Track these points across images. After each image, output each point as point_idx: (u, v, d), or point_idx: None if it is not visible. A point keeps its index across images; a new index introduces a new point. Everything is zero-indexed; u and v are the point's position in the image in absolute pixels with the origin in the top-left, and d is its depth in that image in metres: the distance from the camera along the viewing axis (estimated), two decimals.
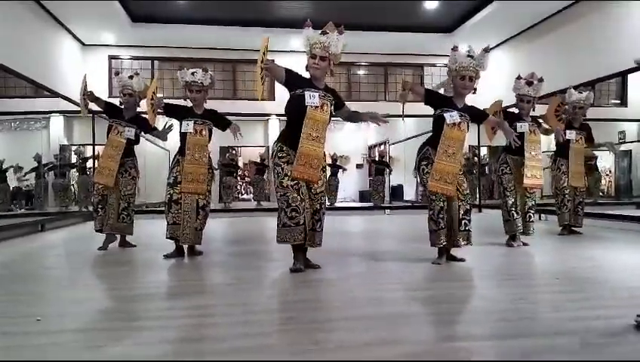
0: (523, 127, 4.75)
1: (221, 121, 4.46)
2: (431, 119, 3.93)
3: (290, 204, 3.39)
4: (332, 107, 3.52)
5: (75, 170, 11.11)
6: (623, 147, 10.31)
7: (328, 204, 12.29)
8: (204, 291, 3.14)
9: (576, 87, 5.71)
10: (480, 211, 9.82)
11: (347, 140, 15.29)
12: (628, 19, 8.23)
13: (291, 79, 3.54)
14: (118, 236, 4.90)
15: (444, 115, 3.76)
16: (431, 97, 3.92)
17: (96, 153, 8.35)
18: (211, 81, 4.41)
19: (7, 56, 7.06)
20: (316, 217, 3.51)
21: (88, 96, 4.88)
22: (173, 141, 4.64)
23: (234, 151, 13.98)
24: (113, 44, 11.88)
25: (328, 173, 12.66)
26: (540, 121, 5.21)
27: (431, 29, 11.52)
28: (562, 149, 5.64)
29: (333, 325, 2.26)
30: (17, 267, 4.10)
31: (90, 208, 5.00)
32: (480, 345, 1.93)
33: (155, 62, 12.57)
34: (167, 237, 4.29)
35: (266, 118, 12.84)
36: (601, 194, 10.48)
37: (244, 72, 12.94)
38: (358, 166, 14.81)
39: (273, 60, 3.43)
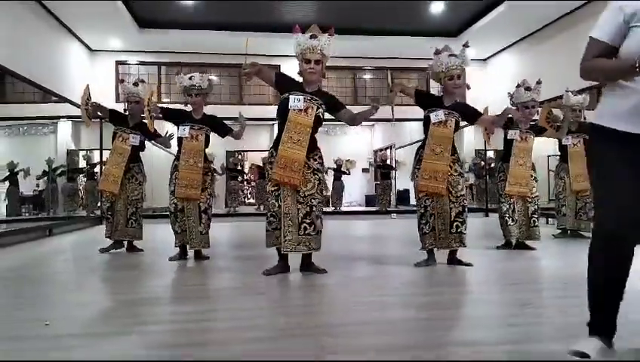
0: (514, 134, 4.78)
1: (221, 128, 4.44)
2: None
3: (270, 209, 3.48)
4: (320, 110, 3.49)
5: (83, 175, 11.18)
6: None
7: (333, 208, 12.28)
8: (209, 296, 3.15)
9: (578, 92, 5.70)
10: (487, 216, 9.78)
11: (353, 144, 15.29)
12: None
13: (281, 81, 3.60)
14: (125, 242, 4.92)
15: (430, 115, 3.81)
16: (421, 98, 3.97)
17: (103, 159, 8.41)
18: (209, 84, 4.42)
19: (16, 61, 7.13)
20: (307, 220, 3.42)
21: (92, 106, 4.88)
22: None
23: (239, 156, 14.03)
24: (120, 49, 11.95)
25: (330, 177, 12.69)
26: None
27: (437, 33, 11.48)
28: (564, 154, 5.64)
29: (340, 330, 2.26)
30: (25, 271, 4.12)
31: (97, 213, 5.03)
32: (488, 351, 1.92)
33: (162, 67, 12.63)
34: (176, 246, 4.33)
35: (272, 122, 12.86)
36: None
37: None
38: (364, 170, 14.80)
39: (257, 63, 3.43)
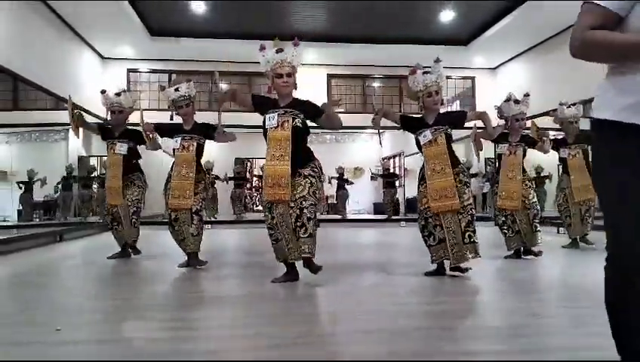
0: (503, 148, 4.81)
1: (209, 132, 4.38)
2: None
3: (266, 222, 3.53)
4: (298, 121, 3.48)
5: (95, 181, 11.27)
6: None
7: (339, 216, 12.27)
8: (216, 303, 3.15)
9: (587, 101, 5.70)
10: (496, 224, 9.72)
11: (362, 151, 15.28)
12: None
13: (258, 103, 3.67)
14: (130, 249, 4.96)
15: (419, 137, 3.83)
16: (406, 122, 4.01)
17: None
18: (196, 91, 4.44)
19: (29, 69, 7.22)
20: (298, 223, 3.37)
21: (77, 119, 4.90)
22: None
23: (247, 163, 14.08)
24: (132, 57, 12.07)
25: (334, 186, 12.67)
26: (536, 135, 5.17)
27: (446, 41, 11.49)
28: (564, 166, 5.67)
29: (348, 338, 2.25)
30: (35, 276, 4.15)
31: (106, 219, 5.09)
32: (495, 360, 1.91)
33: (173, 75, 12.74)
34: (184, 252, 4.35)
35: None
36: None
37: (259, 85, 13.06)
38: (373, 176, 14.80)
39: (235, 90, 3.56)
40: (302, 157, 3.51)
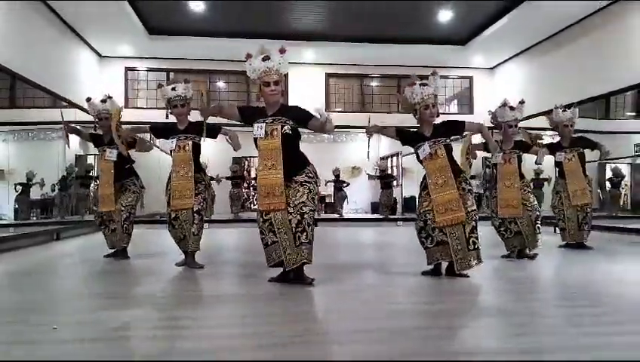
0: (497, 157, 4.83)
1: (210, 131, 4.36)
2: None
3: (259, 226, 3.53)
4: (287, 127, 3.44)
5: (94, 180, 11.26)
6: (639, 160, 10.19)
7: (336, 216, 12.26)
8: (216, 302, 3.14)
9: (587, 101, 5.71)
10: (493, 225, 9.73)
11: (359, 151, 15.25)
12: None
13: (246, 114, 3.64)
14: (110, 251, 4.95)
15: (418, 152, 3.83)
16: (404, 137, 3.99)
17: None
18: (192, 93, 4.41)
19: (26, 67, 7.21)
20: (299, 228, 3.36)
21: (68, 128, 4.98)
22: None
23: (245, 162, 14.05)
24: (130, 56, 12.06)
25: (330, 188, 12.66)
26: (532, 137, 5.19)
27: (444, 41, 11.53)
28: (560, 170, 5.66)
29: (347, 337, 2.25)
30: (33, 275, 4.14)
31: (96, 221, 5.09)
32: (495, 361, 1.91)
33: (171, 74, 12.73)
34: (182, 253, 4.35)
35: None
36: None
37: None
38: (370, 176, 14.80)
39: (218, 102, 3.55)
40: (295, 164, 3.49)
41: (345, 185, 12.71)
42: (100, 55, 11.86)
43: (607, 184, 10.53)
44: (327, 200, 13.72)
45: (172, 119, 4.47)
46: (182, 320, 2.56)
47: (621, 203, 10.65)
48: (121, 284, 3.74)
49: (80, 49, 10.79)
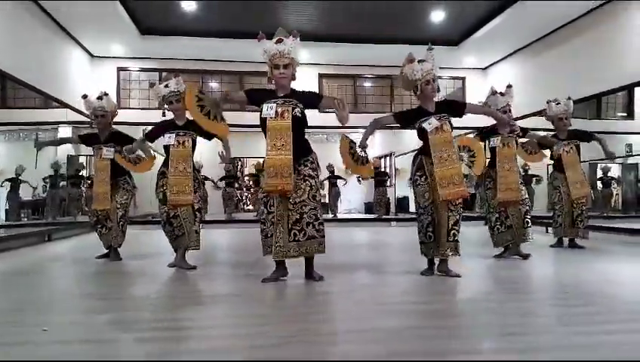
0: (495, 141, 4.86)
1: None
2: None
3: (260, 216, 3.53)
4: (297, 110, 3.47)
5: (85, 180, 11.17)
6: (630, 160, 10.26)
7: (331, 216, 12.27)
8: (210, 302, 3.14)
9: (579, 101, 5.75)
10: (486, 224, 9.77)
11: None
12: (635, 32, 8.23)
13: (254, 96, 3.64)
14: (103, 250, 4.92)
15: (423, 125, 3.80)
16: (403, 118, 3.99)
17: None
18: (185, 86, 4.35)
19: (17, 67, 7.14)
20: (297, 227, 3.39)
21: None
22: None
23: (238, 163, 14.03)
24: (122, 56, 11.99)
25: (326, 183, 12.68)
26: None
27: (437, 41, 11.54)
28: (557, 163, 5.66)
29: (341, 337, 2.25)
30: (24, 276, 4.11)
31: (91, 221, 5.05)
32: (487, 360, 1.92)
33: (163, 73, 12.67)
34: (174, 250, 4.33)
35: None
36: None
37: (251, 84, 13.04)
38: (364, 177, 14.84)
39: (227, 91, 3.56)
40: (302, 148, 3.52)
41: (343, 183, 12.72)
42: (91, 55, 11.79)
43: (599, 184, 10.59)
44: (322, 201, 13.75)
45: (168, 116, 4.46)
46: (175, 321, 2.55)
47: (612, 203, 10.72)
48: (113, 285, 3.72)
49: (71, 49, 10.72)
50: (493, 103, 4.88)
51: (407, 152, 12.21)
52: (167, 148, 4.31)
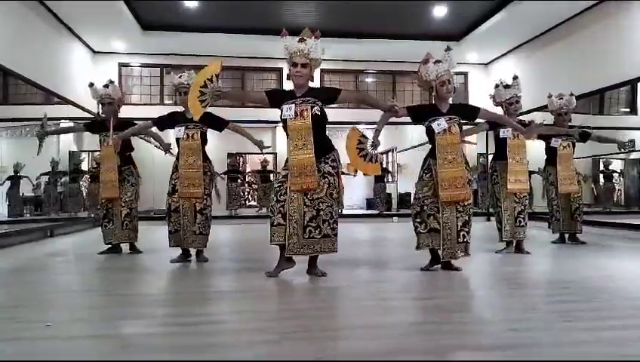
0: (505, 133, 4.83)
1: (216, 123, 4.40)
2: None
3: (270, 203, 3.55)
4: (317, 108, 3.50)
5: (87, 176, 11.19)
6: (633, 155, 10.22)
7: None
8: (212, 298, 3.14)
9: (582, 96, 5.72)
10: (488, 220, 9.76)
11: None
12: (638, 27, 8.18)
13: (274, 98, 3.65)
14: (123, 246, 4.94)
15: (432, 125, 3.80)
16: (416, 113, 3.99)
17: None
18: None
19: (19, 63, 7.14)
20: (313, 224, 3.42)
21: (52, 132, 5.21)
22: None
23: (239, 158, 14.00)
24: (123, 51, 11.97)
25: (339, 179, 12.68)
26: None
27: (439, 36, 11.49)
28: (550, 157, 5.64)
29: (343, 333, 2.25)
30: (27, 272, 4.12)
31: (99, 213, 5.07)
32: (489, 355, 1.91)
33: (165, 69, 12.67)
34: (170, 246, 4.34)
35: (274, 125, 12.87)
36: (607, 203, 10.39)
37: (252, 79, 13.03)
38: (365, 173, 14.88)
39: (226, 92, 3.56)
40: (323, 145, 3.55)
41: (344, 174, 12.72)
42: (93, 51, 11.78)
43: (601, 177, 10.57)
44: (334, 196, 13.75)
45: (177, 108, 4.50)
46: (176, 317, 2.55)
47: (615, 198, 10.70)
48: (116, 281, 3.73)
49: (73, 45, 10.71)
50: (497, 96, 4.87)
51: (409, 148, 12.20)
52: (177, 141, 4.33)
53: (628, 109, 10.50)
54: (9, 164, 9.26)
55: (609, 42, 8.64)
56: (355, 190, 14.17)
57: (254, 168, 14.42)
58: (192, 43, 11.44)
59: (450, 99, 3.91)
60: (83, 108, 8.24)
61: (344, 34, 11.30)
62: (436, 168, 3.77)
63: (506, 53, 12.28)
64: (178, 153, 4.37)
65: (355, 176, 12.92)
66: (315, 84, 3.66)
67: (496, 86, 4.93)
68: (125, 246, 4.97)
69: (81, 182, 10.93)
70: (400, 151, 13.26)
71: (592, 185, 10.35)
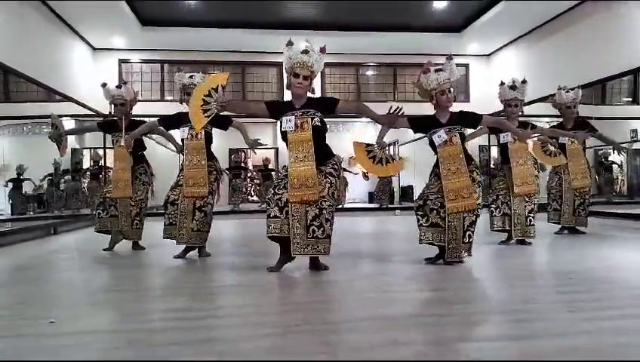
0: (505, 137, 4.83)
1: (221, 122, 4.38)
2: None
3: (266, 197, 3.55)
4: (317, 120, 3.49)
5: (87, 173, 11.21)
6: (636, 146, 10.19)
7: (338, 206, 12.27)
8: (214, 292, 3.15)
9: (584, 87, 5.71)
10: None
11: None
12: (639, 17, 8.13)
13: (274, 110, 3.65)
14: (126, 243, 4.95)
15: (433, 137, 3.80)
16: (417, 124, 3.95)
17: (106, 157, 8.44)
18: None
19: (19, 60, 7.13)
20: (315, 223, 3.40)
21: (63, 140, 5.17)
22: None
23: (243, 154, 14.01)
24: (123, 47, 11.97)
25: (345, 176, 12.66)
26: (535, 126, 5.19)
27: (440, 29, 11.47)
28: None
29: (345, 326, 2.26)
30: (30, 269, 4.14)
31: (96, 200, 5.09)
32: (492, 347, 1.92)
33: (165, 65, 12.66)
34: (163, 238, 4.36)
35: (275, 120, 12.85)
36: (614, 193, 10.38)
37: (252, 74, 13.01)
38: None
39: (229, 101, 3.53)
40: (324, 154, 3.55)
41: (346, 171, 12.71)
42: (93, 48, 11.78)
43: (600, 169, 10.55)
44: (335, 196, 13.73)
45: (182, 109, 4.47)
46: (179, 312, 2.56)
47: (617, 188, 10.68)
48: (119, 277, 3.74)
49: (73, 42, 10.70)
50: (501, 94, 4.84)
51: (411, 141, 12.17)
52: (183, 141, 4.36)
53: (630, 99, 10.46)
54: (10, 162, 9.29)
55: (610, 32, 8.59)
56: (358, 184, 14.17)
57: (256, 164, 14.44)
58: (191, 38, 11.43)
59: (450, 108, 3.88)
60: (84, 106, 8.23)
61: (344, 27, 11.27)
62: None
63: (507, 44, 12.23)
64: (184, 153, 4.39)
65: (356, 173, 12.91)
66: (316, 80, 3.65)
67: (502, 84, 4.86)
68: (128, 243, 4.98)
69: (83, 180, 10.95)
70: (402, 144, 13.24)
71: (595, 176, 10.34)
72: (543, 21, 10.52)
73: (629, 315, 2.29)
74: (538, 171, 5.06)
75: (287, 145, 3.54)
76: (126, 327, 2.29)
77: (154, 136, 4.75)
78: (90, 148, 11.33)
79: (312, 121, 3.48)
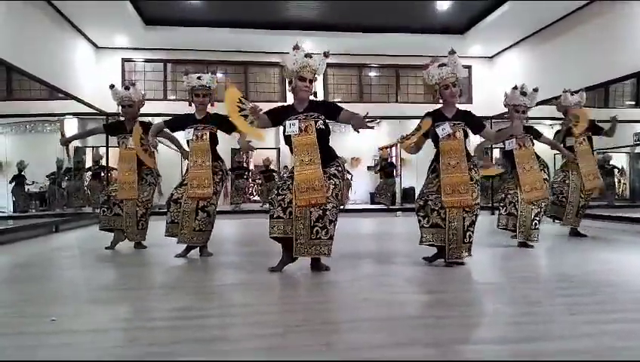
0: (510, 144, 4.83)
1: (225, 124, 4.37)
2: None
3: (269, 198, 3.54)
4: (320, 122, 3.51)
5: (89, 173, 11.23)
6: (638, 149, 10.17)
7: (341, 207, 12.26)
8: (216, 292, 3.16)
9: (587, 90, 5.71)
10: (493, 214, 9.74)
11: (357, 142, 15.21)
12: None
13: (277, 117, 3.64)
14: (129, 242, 4.96)
15: (437, 130, 3.79)
16: (430, 116, 3.93)
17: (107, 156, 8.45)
18: (217, 84, 4.47)
19: (22, 58, 7.15)
20: (319, 224, 3.39)
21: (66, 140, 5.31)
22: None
23: (243, 154, 14.01)
24: (126, 46, 11.99)
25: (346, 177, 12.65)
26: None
27: (443, 30, 11.46)
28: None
29: (345, 327, 2.26)
30: (32, 267, 4.14)
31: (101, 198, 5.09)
32: (492, 349, 1.92)
33: (168, 64, 12.68)
34: (165, 235, 4.36)
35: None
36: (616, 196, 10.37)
37: (255, 73, 13.01)
38: (369, 168, 14.79)
39: (260, 109, 3.51)
40: (328, 157, 3.56)
41: (350, 176, 12.72)
42: (96, 46, 11.79)
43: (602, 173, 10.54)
44: (339, 198, 13.73)
45: (191, 110, 4.49)
46: (181, 311, 2.56)
47: (618, 191, 10.66)
48: (120, 276, 3.75)
49: (76, 40, 10.72)
50: (510, 98, 4.81)
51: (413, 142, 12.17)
52: (188, 143, 4.37)
53: (633, 102, 10.44)
54: (13, 159, 9.31)
55: (614, 34, 8.58)
56: (359, 185, 14.17)
57: (258, 164, 14.43)
58: (194, 38, 11.45)
59: (457, 104, 3.88)
60: (87, 104, 8.25)
61: (347, 28, 11.28)
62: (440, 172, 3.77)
63: (510, 46, 12.22)
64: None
65: (351, 175, 12.83)
66: (318, 78, 3.66)
67: (515, 88, 4.81)
68: (130, 242, 4.99)
69: (85, 178, 10.97)
70: (402, 142, 13.24)
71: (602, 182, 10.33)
72: (546, 23, 10.51)
73: (630, 319, 2.29)
74: (548, 175, 5.04)
75: (290, 149, 3.55)
76: (127, 326, 2.30)
77: (159, 138, 4.74)
78: (92, 147, 11.36)
79: (315, 124, 3.49)
